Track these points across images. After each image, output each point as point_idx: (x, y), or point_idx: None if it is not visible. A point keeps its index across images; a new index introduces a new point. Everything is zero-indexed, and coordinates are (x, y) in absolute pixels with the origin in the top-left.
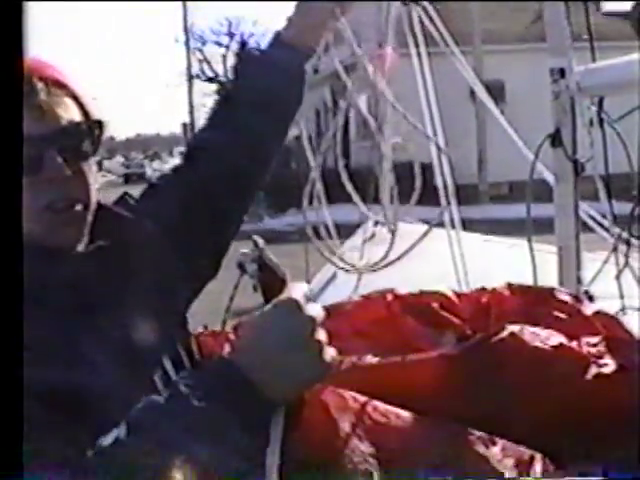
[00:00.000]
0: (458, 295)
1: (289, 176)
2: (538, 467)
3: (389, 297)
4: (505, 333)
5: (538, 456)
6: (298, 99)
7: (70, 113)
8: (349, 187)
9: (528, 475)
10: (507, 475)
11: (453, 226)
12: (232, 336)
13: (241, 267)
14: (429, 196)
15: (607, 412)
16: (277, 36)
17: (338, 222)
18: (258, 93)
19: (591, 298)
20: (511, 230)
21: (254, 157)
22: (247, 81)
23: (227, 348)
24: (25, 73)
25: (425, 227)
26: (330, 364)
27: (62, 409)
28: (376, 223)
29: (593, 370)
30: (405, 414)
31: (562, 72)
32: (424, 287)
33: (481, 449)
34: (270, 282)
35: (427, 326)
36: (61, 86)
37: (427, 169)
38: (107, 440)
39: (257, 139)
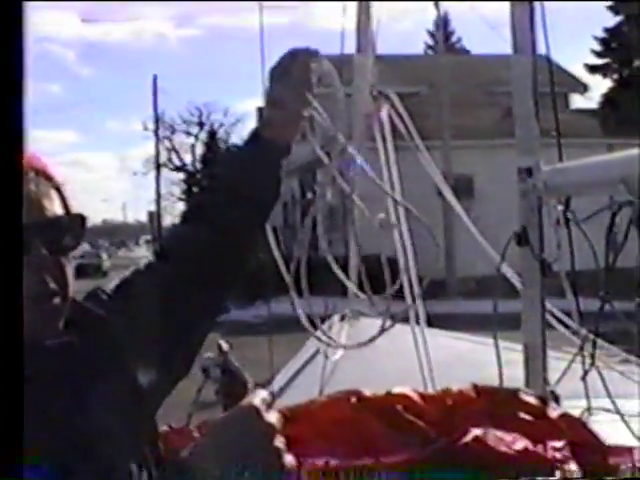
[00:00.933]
0: (423, 397)
1: (257, 266)
2: None
3: (353, 398)
4: (469, 437)
5: None
6: (275, 195)
7: (54, 206)
8: (341, 276)
9: None
10: None
11: (418, 322)
12: (196, 434)
13: (205, 371)
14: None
15: None
16: (254, 132)
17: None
18: (236, 189)
19: (557, 399)
20: (479, 326)
21: (230, 253)
22: (225, 177)
23: (188, 447)
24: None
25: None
26: (287, 471)
27: None
28: (342, 317)
29: (557, 475)
30: None
31: (529, 171)
32: (389, 383)
33: None
34: (232, 387)
35: (391, 428)
36: (48, 178)
37: (391, 263)
38: None
39: (233, 234)
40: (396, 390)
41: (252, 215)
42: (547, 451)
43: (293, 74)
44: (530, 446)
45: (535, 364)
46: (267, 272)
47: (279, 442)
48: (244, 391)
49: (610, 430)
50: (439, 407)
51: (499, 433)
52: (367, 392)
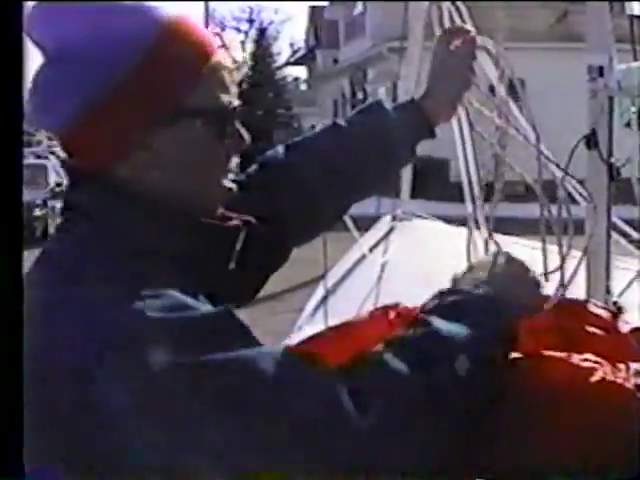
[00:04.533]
0: None
1: None
2: None
3: (391, 314)
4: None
5: None
6: (403, 164)
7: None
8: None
9: None
10: None
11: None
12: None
13: None
14: (449, 192)
15: None
16: (411, 101)
17: (354, 214)
18: (372, 141)
19: (621, 310)
20: (525, 230)
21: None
22: (363, 124)
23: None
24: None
25: (441, 223)
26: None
27: None
28: (394, 217)
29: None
30: None
31: (601, 70)
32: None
33: None
34: None
35: None
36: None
37: (444, 164)
38: None
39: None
40: None
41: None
42: (629, 378)
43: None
44: (608, 371)
45: (597, 273)
46: None
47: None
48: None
49: None
50: None
51: (575, 359)
52: (408, 305)
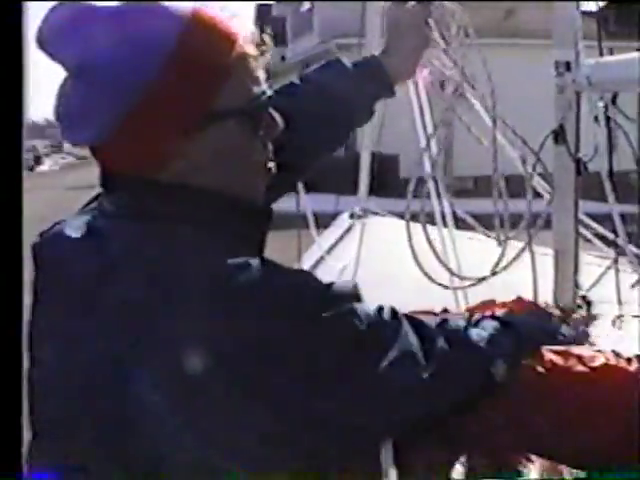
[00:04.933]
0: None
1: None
2: None
3: None
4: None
5: None
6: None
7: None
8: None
9: None
10: None
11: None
12: None
13: None
14: (400, 188)
15: None
16: (372, 57)
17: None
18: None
19: (589, 304)
20: (475, 226)
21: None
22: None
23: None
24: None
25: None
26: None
27: None
28: (352, 216)
29: None
30: None
31: (568, 65)
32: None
33: None
34: None
35: None
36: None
37: (394, 160)
38: None
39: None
40: (419, 309)
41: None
42: (630, 362)
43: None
44: (611, 359)
45: (566, 268)
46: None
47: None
48: None
49: None
50: None
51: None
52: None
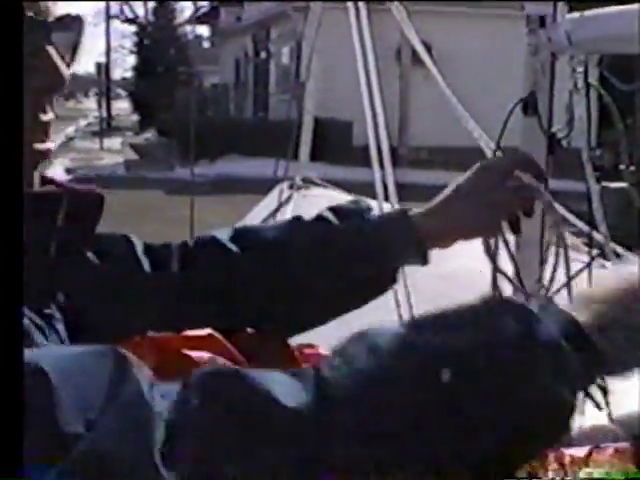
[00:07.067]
0: None
1: (204, 124)
2: None
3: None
4: None
5: None
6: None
7: None
8: None
9: None
10: None
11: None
12: None
13: None
14: (352, 156)
15: None
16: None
17: (251, 177)
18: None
19: (550, 300)
20: (429, 198)
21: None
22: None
23: None
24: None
25: (341, 193)
26: None
27: None
28: (291, 186)
29: None
30: None
31: (542, 20)
32: None
33: None
34: None
35: None
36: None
37: (347, 127)
38: None
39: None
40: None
41: None
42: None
43: None
44: None
45: (530, 258)
46: (214, 130)
47: None
48: None
49: None
50: None
51: None
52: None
